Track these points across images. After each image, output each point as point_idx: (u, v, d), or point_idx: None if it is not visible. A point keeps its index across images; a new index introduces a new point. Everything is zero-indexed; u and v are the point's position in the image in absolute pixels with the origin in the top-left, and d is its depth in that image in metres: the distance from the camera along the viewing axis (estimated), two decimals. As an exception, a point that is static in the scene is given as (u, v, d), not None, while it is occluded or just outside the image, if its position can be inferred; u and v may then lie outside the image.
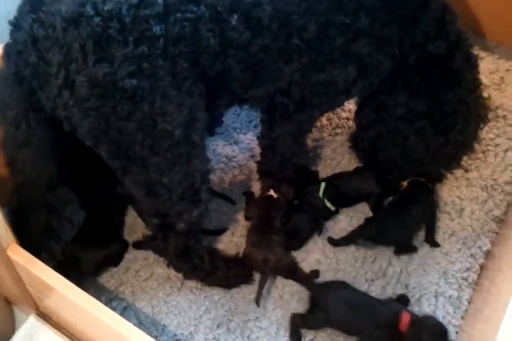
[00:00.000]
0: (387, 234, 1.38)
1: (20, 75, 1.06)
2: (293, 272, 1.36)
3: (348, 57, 1.15)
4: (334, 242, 1.41)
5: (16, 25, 1.05)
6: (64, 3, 0.96)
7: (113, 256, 1.39)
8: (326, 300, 1.27)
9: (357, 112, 1.43)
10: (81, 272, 1.33)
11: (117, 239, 1.42)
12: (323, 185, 1.44)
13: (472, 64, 1.31)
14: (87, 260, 1.33)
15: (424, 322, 1.25)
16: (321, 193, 1.42)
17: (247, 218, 1.47)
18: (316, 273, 1.36)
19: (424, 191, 1.45)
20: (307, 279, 1.35)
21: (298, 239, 1.41)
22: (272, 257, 1.33)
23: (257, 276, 1.36)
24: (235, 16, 1.02)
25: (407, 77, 1.26)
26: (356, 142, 1.49)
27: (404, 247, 1.39)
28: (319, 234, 1.42)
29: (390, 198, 1.48)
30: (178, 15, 0.99)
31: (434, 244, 1.41)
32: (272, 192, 1.45)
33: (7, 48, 1.08)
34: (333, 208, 1.44)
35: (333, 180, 1.48)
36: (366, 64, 1.17)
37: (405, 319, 1.22)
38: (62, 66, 0.98)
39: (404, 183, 1.46)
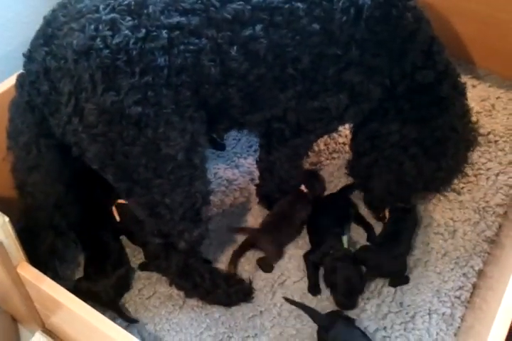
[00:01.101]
0: (383, 267, 1.40)
1: (32, 104, 1.11)
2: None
3: (340, 86, 1.20)
4: None
5: (29, 57, 1.10)
6: (75, 37, 1.01)
7: (124, 279, 1.40)
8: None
9: (352, 140, 1.47)
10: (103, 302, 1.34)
11: (123, 264, 1.43)
12: (345, 238, 1.43)
13: (460, 92, 1.35)
14: (104, 289, 1.33)
15: None
16: (346, 245, 1.42)
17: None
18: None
19: (407, 214, 1.46)
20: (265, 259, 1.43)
21: (352, 297, 1.35)
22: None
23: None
24: (235, 48, 1.07)
25: (397, 105, 1.29)
26: (353, 168, 1.52)
27: (398, 279, 1.41)
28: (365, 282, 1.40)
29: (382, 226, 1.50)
30: (181, 47, 1.03)
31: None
32: (303, 187, 1.51)
33: (20, 78, 1.13)
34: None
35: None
36: (357, 92, 1.21)
37: None
38: (73, 95, 1.02)
39: (386, 213, 1.47)
